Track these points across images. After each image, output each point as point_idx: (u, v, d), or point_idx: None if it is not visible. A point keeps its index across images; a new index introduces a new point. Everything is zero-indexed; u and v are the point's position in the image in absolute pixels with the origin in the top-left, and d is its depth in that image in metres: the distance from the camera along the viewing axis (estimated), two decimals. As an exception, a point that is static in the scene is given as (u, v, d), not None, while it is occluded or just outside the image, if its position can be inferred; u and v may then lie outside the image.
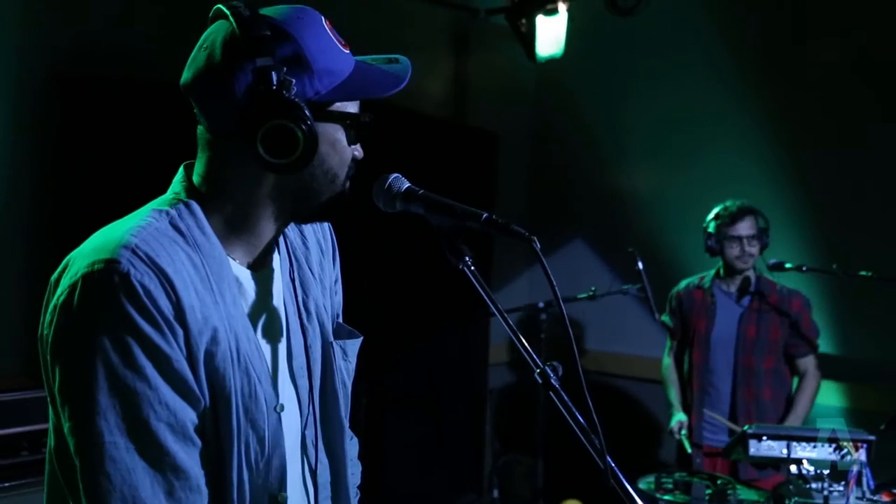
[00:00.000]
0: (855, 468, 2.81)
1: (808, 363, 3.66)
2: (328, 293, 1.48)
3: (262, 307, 1.33)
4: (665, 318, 3.93)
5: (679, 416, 3.73)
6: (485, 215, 1.28)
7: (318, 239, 1.49)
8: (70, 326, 1.15)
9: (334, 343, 1.43)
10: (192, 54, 1.26)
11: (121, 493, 1.11)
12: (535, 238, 1.25)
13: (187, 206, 1.26)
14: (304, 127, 1.20)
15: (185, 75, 1.26)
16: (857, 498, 2.86)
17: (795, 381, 3.72)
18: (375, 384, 4.09)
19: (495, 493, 5.18)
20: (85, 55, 3.40)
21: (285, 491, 1.31)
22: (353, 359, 1.48)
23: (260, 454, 1.26)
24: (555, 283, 1.25)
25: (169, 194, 1.29)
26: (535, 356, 1.26)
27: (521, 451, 5.41)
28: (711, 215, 3.70)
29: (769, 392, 3.61)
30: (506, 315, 1.29)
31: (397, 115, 4.25)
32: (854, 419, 3.75)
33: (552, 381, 1.24)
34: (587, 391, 1.22)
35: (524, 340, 1.27)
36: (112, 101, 3.30)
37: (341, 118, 1.29)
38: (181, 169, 1.32)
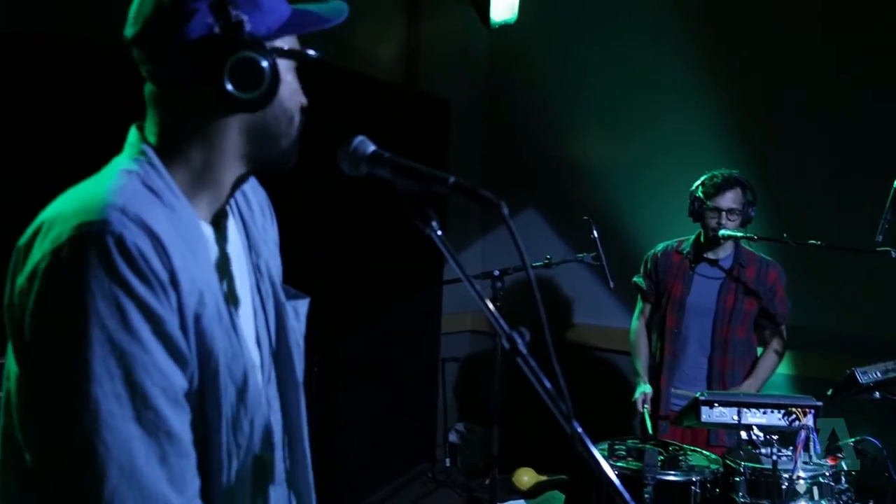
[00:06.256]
0: (803, 434, 2.86)
1: (775, 336, 3.70)
2: (272, 255, 1.47)
3: (227, 266, 1.32)
4: (638, 279, 3.90)
5: (643, 388, 3.72)
6: (452, 179, 1.25)
7: (259, 201, 1.48)
8: (58, 292, 1.09)
9: (287, 303, 1.43)
10: (134, 9, 1.22)
11: (118, 462, 1.07)
12: (503, 203, 1.23)
13: (152, 166, 1.22)
14: (268, 58, 1.21)
15: (132, 29, 1.22)
16: (804, 462, 2.92)
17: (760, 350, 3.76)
18: (328, 353, 4.06)
19: (447, 462, 5.20)
20: (12, 10, 3.25)
21: (270, 451, 1.31)
22: (303, 320, 1.47)
23: (245, 415, 1.25)
24: (523, 248, 1.24)
25: (128, 156, 1.24)
26: (502, 322, 1.24)
27: (474, 420, 5.44)
28: (699, 181, 3.66)
29: (741, 361, 3.64)
30: (473, 281, 1.27)
31: (350, 79, 4.18)
32: (801, 386, 3.83)
33: (519, 346, 1.23)
34: (555, 357, 1.21)
35: (492, 306, 1.25)
36: (48, 59, 3.18)
37: (292, 55, 1.28)
38: (133, 130, 1.28)
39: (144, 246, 1.10)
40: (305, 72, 1.33)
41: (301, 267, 4.21)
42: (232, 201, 1.37)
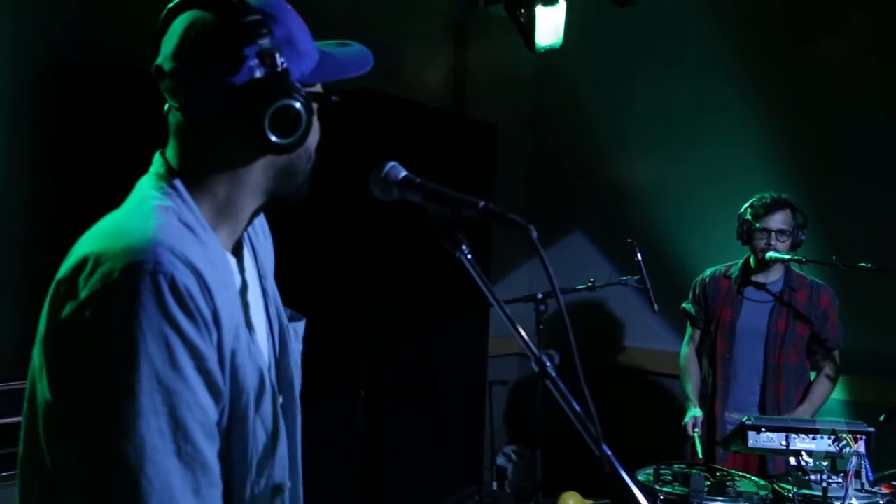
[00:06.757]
0: (854, 460, 2.80)
1: (828, 361, 3.63)
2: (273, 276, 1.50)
3: (246, 295, 1.34)
4: (687, 305, 3.86)
5: (694, 412, 3.66)
6: (482, 204, 1.27)
7: (260, 222, 1.50)
8: (110, 329, 1.10)
9: (289, 326, 1.45)
10: (175, 43, 1.23)
11: (159, 496, 1.10)
12: (532, 226, 1.24)
13: (183, 200, 1.24)
14: (304, 104, 1.22)
15: (171, 64, 1.22)
16: (856, 490, 2.85)
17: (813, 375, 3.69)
18: (374, 377, 4.09)
19: (494, 486, 5.18)
20: (83, 43, 3.38)
21: (288, 480, 1.33)
22: (301, 340, 1.49)
23: (268, 446, 1.28)
24: (551, 271, 1.24)
25: (157, 187, 1.26)
26: (532, 346, 1.25)
27: (520, 443, 5.41)
28: (748, 203, 3.62)
29: (796, 387, 3.57)
30: (503, 305, 1.29)
31: (396, 104, 4.24)
32: (853, 411, 3.75)
33: (548, 369, 1.24)
34: (584, 380, 1.22)
35: (521, 330, 1.26)
36: (111, 88, 3.28)
37: (319, 98, 1.31)
38: (158, 158, 1.30)
39: (192, 286, 1.12)
40: (335, 105, 1.36)
41: (350, 290, 4.25)
42: None
